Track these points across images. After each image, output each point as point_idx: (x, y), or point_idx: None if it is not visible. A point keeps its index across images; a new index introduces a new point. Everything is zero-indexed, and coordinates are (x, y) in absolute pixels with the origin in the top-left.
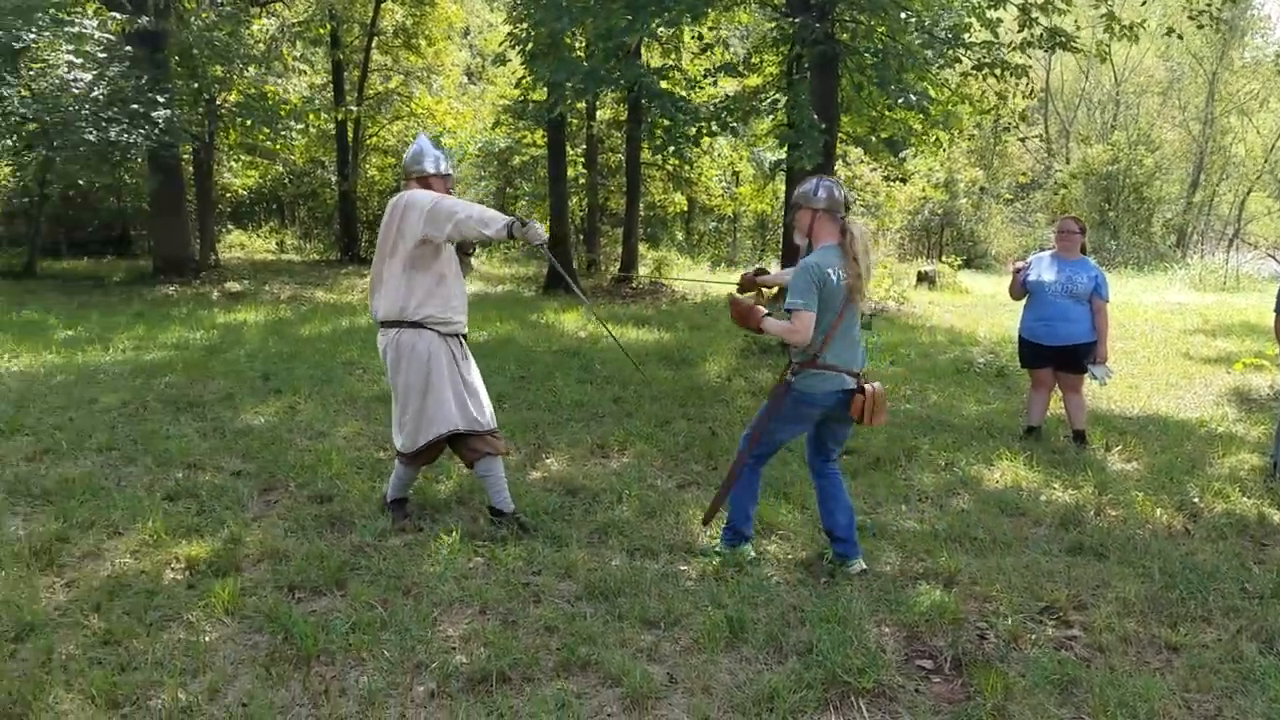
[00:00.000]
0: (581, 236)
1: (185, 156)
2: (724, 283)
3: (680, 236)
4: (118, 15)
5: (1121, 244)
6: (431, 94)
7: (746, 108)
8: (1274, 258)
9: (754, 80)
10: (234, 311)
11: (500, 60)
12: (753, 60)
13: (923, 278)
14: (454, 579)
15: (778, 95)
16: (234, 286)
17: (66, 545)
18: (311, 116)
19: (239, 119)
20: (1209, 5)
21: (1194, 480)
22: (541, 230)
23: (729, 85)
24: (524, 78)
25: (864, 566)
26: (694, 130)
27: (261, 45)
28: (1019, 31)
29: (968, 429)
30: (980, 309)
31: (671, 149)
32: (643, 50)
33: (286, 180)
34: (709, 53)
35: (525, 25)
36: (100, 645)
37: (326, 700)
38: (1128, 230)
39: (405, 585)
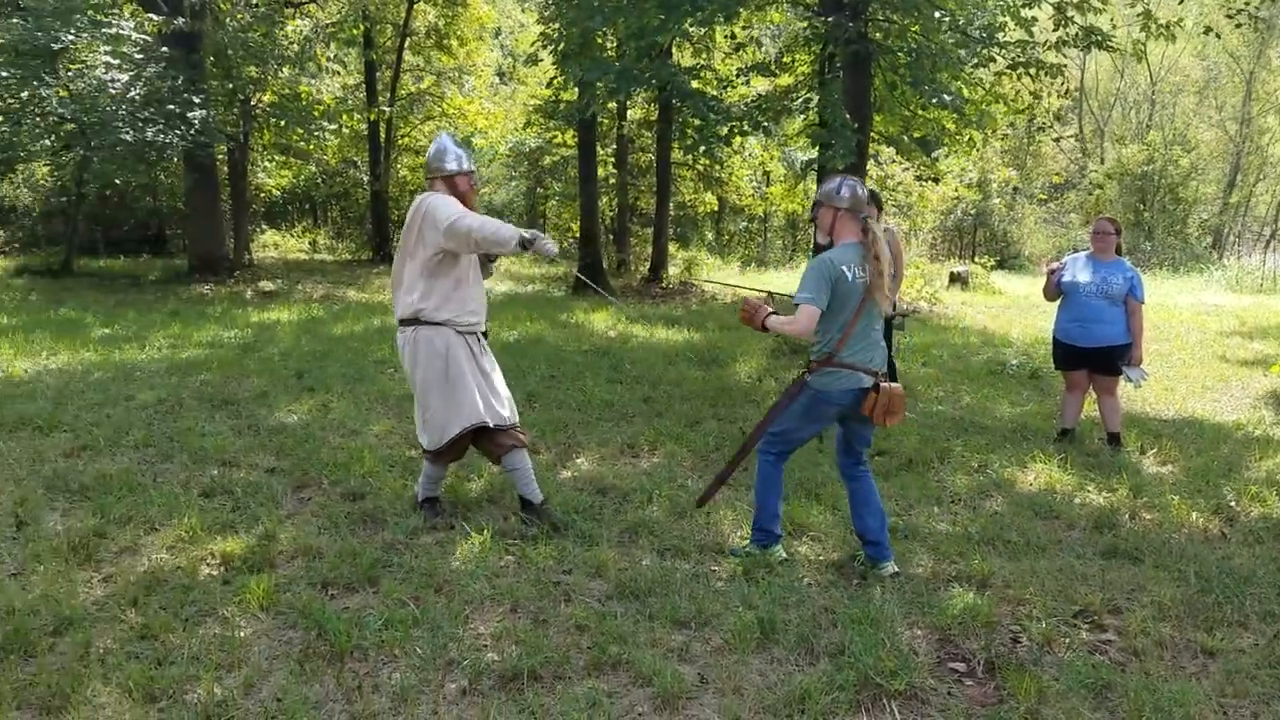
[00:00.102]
0: (611, 236)
1: (220, 157)
2: (749, 288)
3: (710, 236)
4: (154, 16)
5: (1157, 245)
6: (463, 94)
7: (778, 107)
8: None
9: (786, 79)
10: (267, 310)
11: (532, 60)
12: (785, 59)
13: (955, 278)
14: (485, 577)
15: (809, 94)
16: (267, 286)
17: (104, 541)
18: (344, 117)
19: (273, 119)
20: (1247, 4)
21: (1230, 484)
22: (552, 244)
23: (761, 84)
24: (555, 77)
25: (896, 569)
26: (725, 130)
27: (295, 46)
28: (1054, 30)
29: (1001, 431)
30: (1014, 310)
31: (702, 149)
32: (674, 50)
33: (319, 180)
34: (741, 52)
35: (557, 25)
36: (137, 640)
37: (359, 696)
38: (1163, 231)
39: (437, 583)
